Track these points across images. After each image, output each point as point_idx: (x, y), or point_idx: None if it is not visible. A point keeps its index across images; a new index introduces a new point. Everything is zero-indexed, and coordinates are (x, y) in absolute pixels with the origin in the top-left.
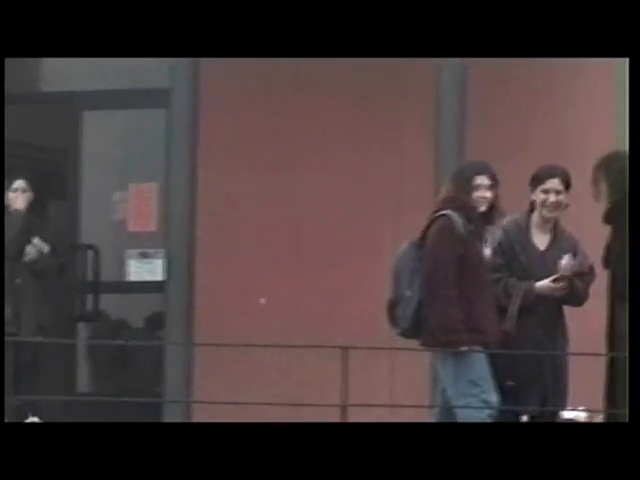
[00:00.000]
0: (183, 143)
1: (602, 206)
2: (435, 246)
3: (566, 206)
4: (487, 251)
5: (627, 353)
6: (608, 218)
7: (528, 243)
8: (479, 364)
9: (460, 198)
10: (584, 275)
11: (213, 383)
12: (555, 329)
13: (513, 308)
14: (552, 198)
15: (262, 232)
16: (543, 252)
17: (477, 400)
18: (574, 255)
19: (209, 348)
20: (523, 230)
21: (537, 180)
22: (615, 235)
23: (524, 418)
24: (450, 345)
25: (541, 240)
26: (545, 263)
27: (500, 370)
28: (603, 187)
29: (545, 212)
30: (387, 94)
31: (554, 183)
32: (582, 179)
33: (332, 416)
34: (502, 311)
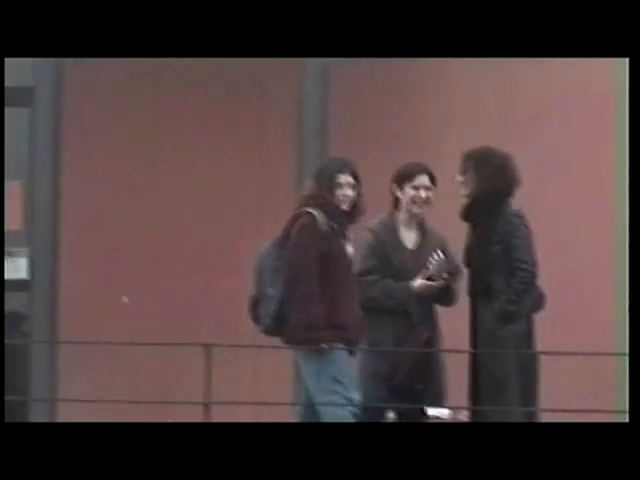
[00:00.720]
0: (46, 142)
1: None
2: (297, 243)
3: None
4: (350, 249)
5: (627, 352)
6: (466, 214)
7: (398, 243)
8: (341, 361)
9: (323, 195)
10: (454, 274)
11: (78, 382)
12: (428, 327)
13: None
14: (422, 194)
15: (125, 232)
16: (413, 251)
17: (340, 397)
18: (443, 253)
19: (74, 347)
20: (391, 230)
21: (405, 177)
22: (473, 232)
23: (390, 415)
24: (312, 342)
25: (409, 238)
26: (416, 261)
27: (389, 368)
28: (469, 179)
29: (415, 208)
30: (250, 94)
31: (423, 179)
32: (442, 176)
33: (196, 414)
34: (387, 313)
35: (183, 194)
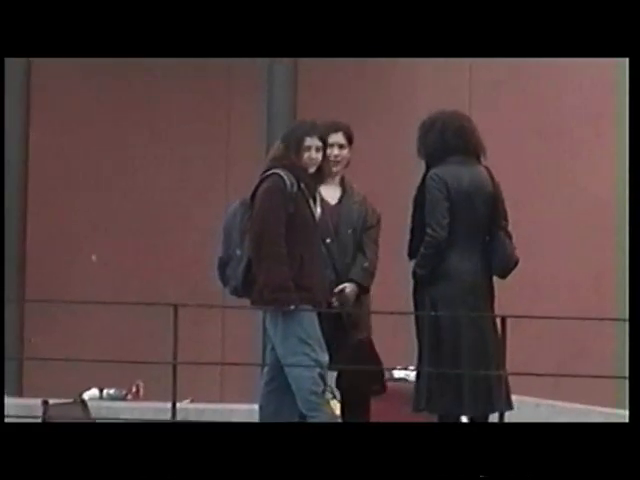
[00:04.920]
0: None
1: None
2: (264, 204)
3: (349, 162)
4: (318, 211)
5: (627, 352)
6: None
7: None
8: (309, 323)
9: (290, 157)
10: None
11: (45, 340)
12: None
13: None
14: (335, 152)
15: (94, 190)
16: (334, 206)
17: (308, 359)
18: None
19: (41, 306)
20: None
21: (321, 135)
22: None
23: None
24: (279, 303)
25: (332, 195)
26: (339, 216)
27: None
28: (421, 147)
29: (330, 166)
30: (219, 91)
31: (337, 137)
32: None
33: (164, 373)
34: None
35: (152, 155)
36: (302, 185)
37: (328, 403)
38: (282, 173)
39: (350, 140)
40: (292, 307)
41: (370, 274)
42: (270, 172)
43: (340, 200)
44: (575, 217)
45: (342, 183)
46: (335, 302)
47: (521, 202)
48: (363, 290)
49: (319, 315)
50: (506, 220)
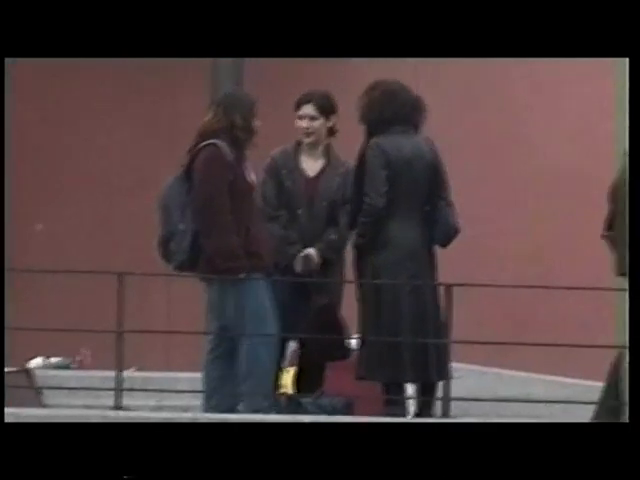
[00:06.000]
0: None
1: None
2: (206, 175)
3: (333, 131)
4: (252, 176)
5: (627, 352)
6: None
7: (295, 168)
8: (259, 291)
9: (225, 125)
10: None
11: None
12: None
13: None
14: (304, 124)
15: (40, 159)
16: (313, 178)
17: (257, 329)
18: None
19: None
20: (290, 156)
21: (294, 106)
22: None
23: (294, 348)
24: (231, 272)
25: (312, 166)
26: (315, 188)
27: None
28: (362, 115)
29: (303, 138)
30: (163, 91)
31: (308, 109)
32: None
33: (108, 341)
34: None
35: (104, 133)
36: (238, 152)
37: (282, 371)
38: (218, 143)
39: (324, 110)
40: (242, 275)
41: (336, 246)
42: (205, 143)
43: (322, 171)
44: (521, 188)
45: (327, 153)
46: (297, 266)
47: (468, 173)
48: (328, 260)
49: (275, 281)
50: (447, 190)
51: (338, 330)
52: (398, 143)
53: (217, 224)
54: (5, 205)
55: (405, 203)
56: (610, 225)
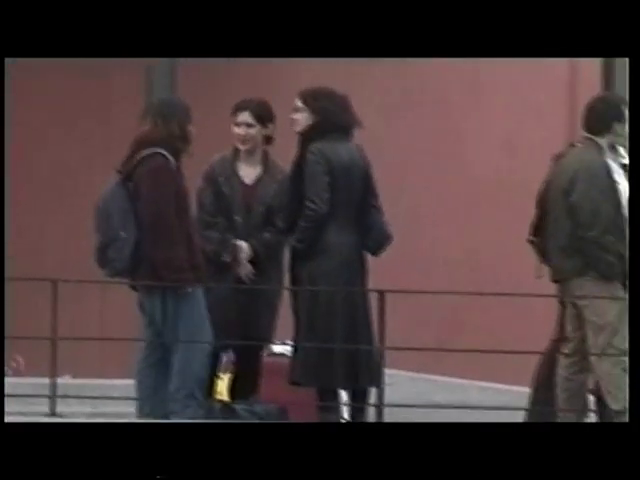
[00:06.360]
0: None
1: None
2: (155, 185)
3: (270, 139)
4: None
5: (627, 352)
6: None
7: (233, 175)
8: (200, 301)
9: (164, 135)
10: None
11: None
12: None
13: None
14: (241, 131)
15: None
16: (249, 185)
17: (196, 338)
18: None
19: None
20: (228, 163)
21: (231, 114)
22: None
23: (229, 356)
24: (180, 284)
25: (249, 173)
26: (253, 196)
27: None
28: (299, 117)
29: (239, 145)
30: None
31: (244, 116)
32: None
33: (43, 348)
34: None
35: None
36: (178, 162)
37: (218, 379)
38: (164, 152)
39: (261, 118)
40: (189, 290)
41: (269, 244)
42: (151, 152)
43: (259, 178)
44: (453, 193)
45: (264, 161)
46: (225, 256)
47: (401, 179)
48: (262, 262)
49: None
50: (377, 197)
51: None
52: (336, 149)
53: (165, 235)
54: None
55: (342, 210)
56: (536, 230)
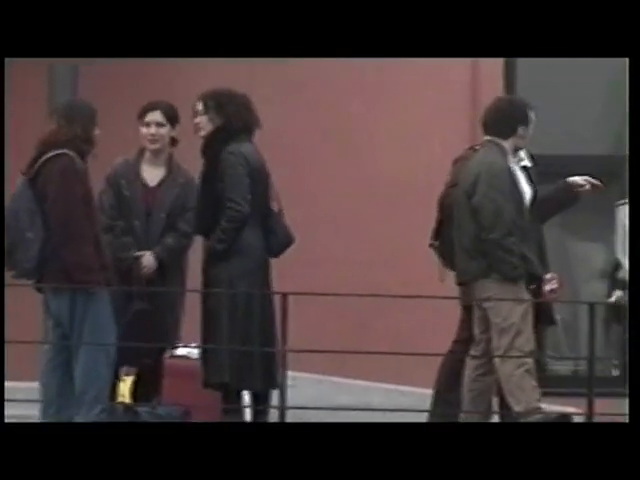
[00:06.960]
0: None
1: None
2: (64, 186)
3: (175, 141)
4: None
5: (627, 353)
6: (201, 154)
7: (135, 178)
8: (106, 303)
9: (69, 137)
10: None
11: None
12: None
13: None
14: (151, 130)
15: None
16: (153, 188)
17: (102, 339)
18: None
19: None
20: (131, 166)
21: (139, 114)
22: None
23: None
24: (90, 285)
25: (153, 176)
26: (154, 198)
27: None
28: (206, 119)
29: (148, 145)
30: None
31: (155, 115)
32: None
33: None
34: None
35: None
36: (84, 164)
37: (120, 381)
38: (70, 153)
39: (171, 119)
40: (100, 289)
41: (173, 250)
42: (55, 153)
43: (162, 182)
44: (356, 195)
45: (168, 163)
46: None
47: (300, 181)
48: (164, 266)
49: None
50: (279, 198)
51: (152, 338)
52: (250, 150)
53: (75, 236)
54: None
55: (256, 211)
56: (437, 234)
